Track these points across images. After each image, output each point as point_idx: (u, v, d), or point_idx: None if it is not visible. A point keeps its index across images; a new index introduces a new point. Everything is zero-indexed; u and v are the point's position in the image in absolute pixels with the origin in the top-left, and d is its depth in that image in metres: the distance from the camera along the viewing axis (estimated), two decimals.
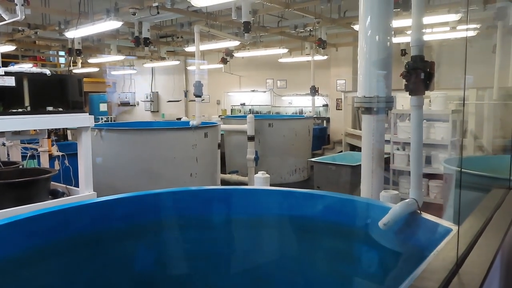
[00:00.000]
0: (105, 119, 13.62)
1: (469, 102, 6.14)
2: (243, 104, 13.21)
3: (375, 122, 2.73)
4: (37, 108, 3.03)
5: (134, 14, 6.65)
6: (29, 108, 2.99)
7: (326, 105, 11.61)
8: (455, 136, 5.74)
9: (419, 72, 2.03)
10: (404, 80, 2.12)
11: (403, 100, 6.58)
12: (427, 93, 2.18)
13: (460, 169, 3.09)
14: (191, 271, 2.47)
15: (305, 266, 2.33)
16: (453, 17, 6.06)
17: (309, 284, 2.30)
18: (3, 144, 3.90)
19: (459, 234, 1.30)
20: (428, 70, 2.05)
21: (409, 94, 2.10)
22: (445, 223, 1.80)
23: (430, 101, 5.90)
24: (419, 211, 1.97)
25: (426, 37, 2.18)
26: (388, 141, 5.85)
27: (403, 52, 8.43)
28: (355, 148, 8.44)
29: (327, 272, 2.23)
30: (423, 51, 2.09)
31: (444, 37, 7.05)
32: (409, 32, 7.23)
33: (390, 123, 6.15)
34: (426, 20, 2.75)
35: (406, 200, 2.00)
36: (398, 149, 6.21)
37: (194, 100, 6.11)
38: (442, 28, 6.90)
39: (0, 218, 1.96)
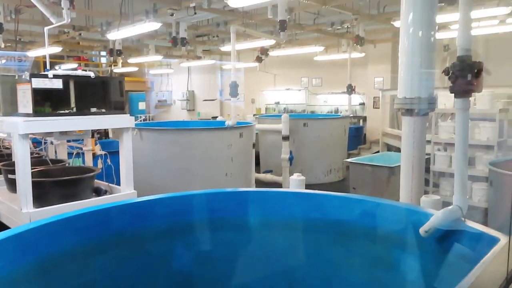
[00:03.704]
0: (144, 117, 14.01)
1: None
2: (278, 103, 13.19)
3: (416, 124, 2.63)
4: (82, 109, 3.16)
5: (172, 15, 6.81)
6: (74, 109, 3.12)
7: (363, 104, 11.38)
8: (502, 137, 5.46)
9: (466, 74, 1.93)
10: (446, 78, 2.01)
11: (445, 99, 6.33)
12: None
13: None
14: (226, 271, 2.50)
15: (341, 272, 2.30)
16: (503, 10, 5.76)
17: None
18: (51, 143, 4.10)
19: (510, 245, 1.24)
20: (475, 71, 1.94)
21: (455, 97, 2.00)
22: (492, 232, 1.71)
23: (475, 99, 5.64)
24: (463, 219, 1.90)
25: (472, 32, 2.05)
26: (428, 142, 5.65)
27: (446, 48, 8.11)
28: (392, 148, 8.21)
29: (364, 279, 2.19)
30: (470, 51, 1.97)
31: (492, 31, 6.72)
32: (452, 27, 6.96)
33: (430, 123, 5.93)
34: (473, 14, 2.58)
35: (450, 207, 1.92)
36: (439, 150, 5.99)
37: (229, 99, 6.17)
38: (490, 22, 6.58)
39: (50, 215, 2.07)
